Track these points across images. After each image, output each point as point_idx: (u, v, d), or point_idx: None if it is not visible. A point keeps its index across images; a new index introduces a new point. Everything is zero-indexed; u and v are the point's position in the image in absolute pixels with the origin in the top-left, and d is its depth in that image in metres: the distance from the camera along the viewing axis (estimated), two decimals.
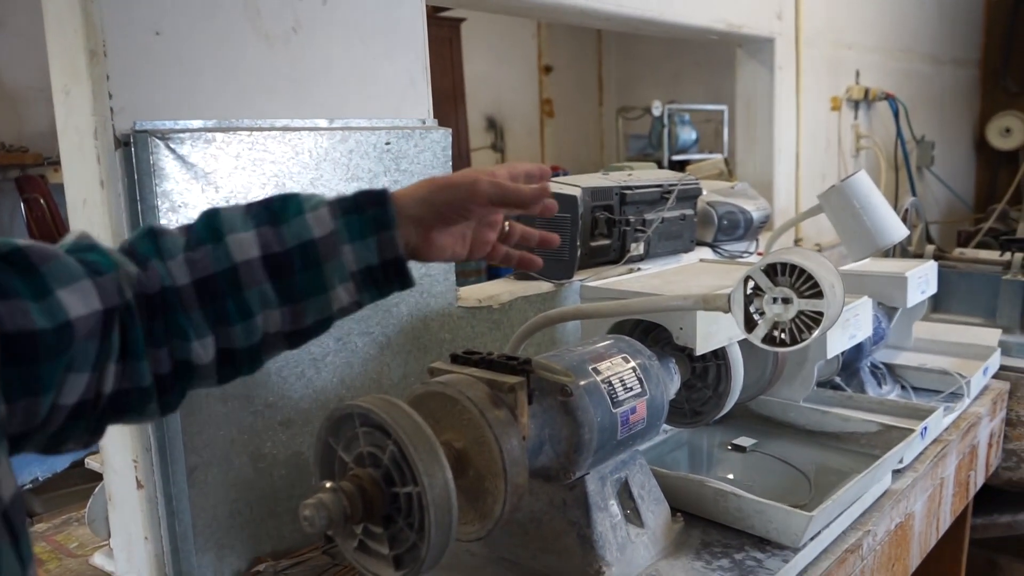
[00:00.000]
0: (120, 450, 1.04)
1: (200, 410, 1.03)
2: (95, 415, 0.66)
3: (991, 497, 2.04)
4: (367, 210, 0.79)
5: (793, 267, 0.88)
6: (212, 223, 0.75)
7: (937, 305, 2.30)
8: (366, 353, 1.23)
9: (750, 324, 0.91)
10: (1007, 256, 2.22)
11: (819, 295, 0.87)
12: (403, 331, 1.28)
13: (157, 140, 0.96)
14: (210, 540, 1.06)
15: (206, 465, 1.04)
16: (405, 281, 0.82)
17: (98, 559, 1.32)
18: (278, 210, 0.76)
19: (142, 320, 0.68)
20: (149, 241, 0.72)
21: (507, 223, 0.92)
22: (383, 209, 0.79)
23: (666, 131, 5.74)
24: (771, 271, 0.89)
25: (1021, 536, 2.34)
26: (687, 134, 5.96)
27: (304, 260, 0.75)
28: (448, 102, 5.54)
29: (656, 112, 5.71)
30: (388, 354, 1.26)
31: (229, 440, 1.07)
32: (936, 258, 2.23)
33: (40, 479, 2.61)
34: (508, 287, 1.55)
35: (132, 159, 0.96)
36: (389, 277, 0.81)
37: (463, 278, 1.43)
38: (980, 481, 1.78)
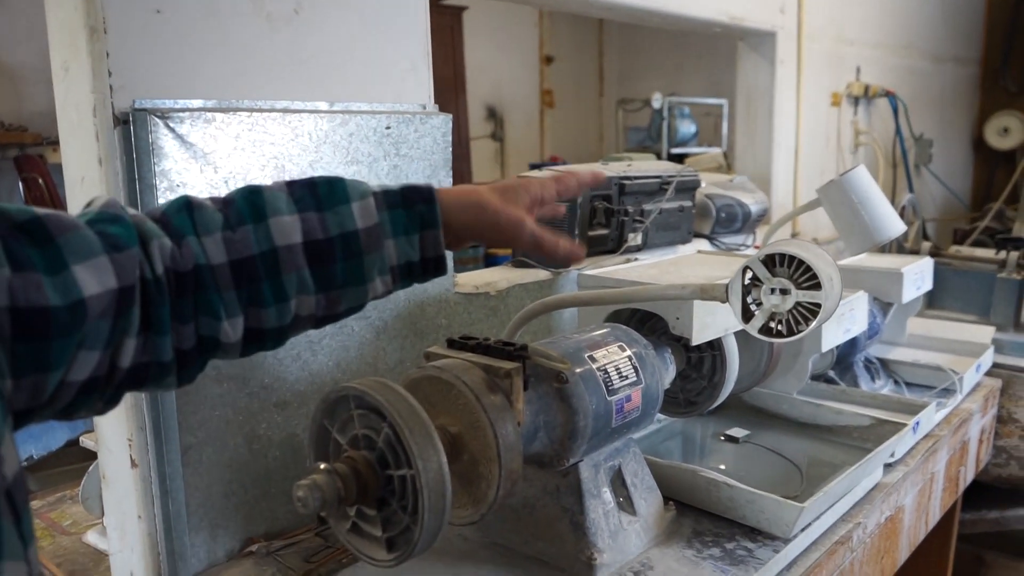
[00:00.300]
0: (115, 429, 1.04)
1: (195, 390, 1.03)
2: (110, 388, 0.65)
3: (980, 493, 2.06)
4: (414, 207, 0.79)
5: (792, 258, 0.88)
6: (255, 201, 0.73)
7: (932, 302, 2.31)
8: (362, 337, 1.23)
9: (747, 315, 0.92)
10: (1002, 255, 2.23)
11: (817, 287, 0.87)
12: (400, 316, 1.28)
13: (156, 119, 0.96)
14: (204, 520, 1.06)
15: (201, 445, 1.04)
16: (441, 272, 0.85)
17: (91, 537, 1.32)
18: (323, 195, 0.76)
19: (171, 296, 0.67)
20: (186, 215, 0.71)
21: None
22: (430, 207, 0.80)
23: (666, 124, 5.74)
24: (769, 262, 0.89)
25: (1008, 532, 2.36)
26: (687, 127, 5.96)
27: (346, 250, 0.75)
28: (449, 91, 5.52)
29: (656, 104, 5.70)
30: (384, 339, 1.26)
31: (224, 421, 1.07)
32: (932, 255, 2.23)
33: (35, 457, 2.61)
34: (505, 274, 1.55)
35: (131, 137, 0.96)
36: (427, 272, 0.83)
37: (460, 265, 1.43)
38: (970, 477, 1.79)
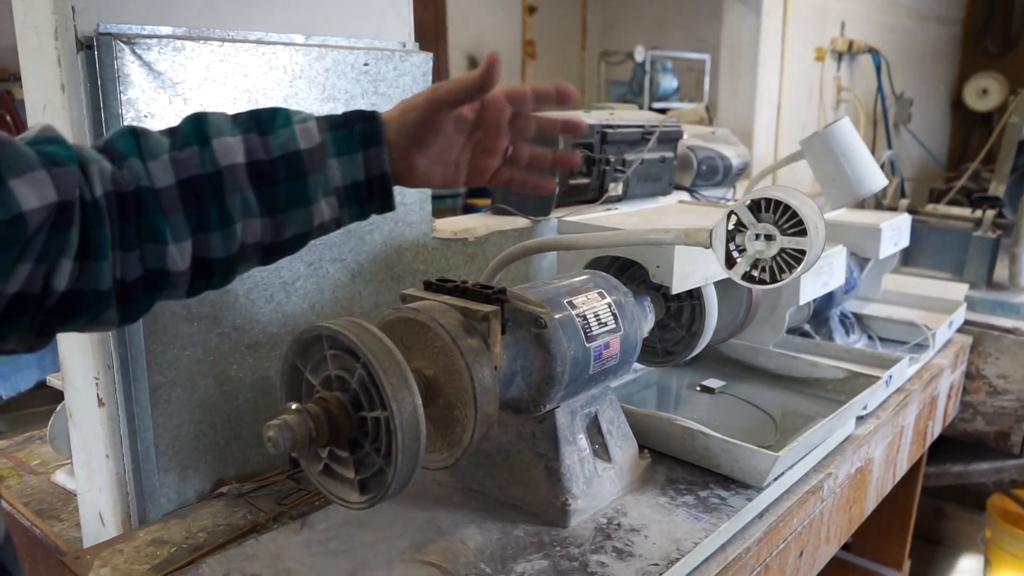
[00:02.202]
0: (81, 367, 1.01)
1: (164, 329, 1.00)
2: (42, 313, 0.63)
3: (945, 447, 2.10)
4: (355, 125, 0.78)
5: (778, 203, 0.87)
6: (199, 126, 0.73)
7: (907, 259, 2.33)
8: (337, 280, 1.20)
9: (730, 261, 0.90)
10: (978, 213, 2.24)
11: (803, 233, 0.85)
12: (376, 259, 1.25)
13: (122, 44, 0.91)
14: (173, 460, 1.04)
15: (170, 385, 1.02)
16: (388, 202, 0.83)
17: (59, 477, 1.30)
18: (266, 120, 0.75)
19: (113, 220, 0.66)
20: (131, 140, 0.70)
21: (510, 147, 0.89)
22: (372, 124, 0.79)
23: (648, 78, 5.68)
24: (755, 207, 0.88)
25: (968, 486, 2.42)
26: (668, 82, 5.90)
27: (289, 170, 0.74)
28: (429, 37, 5.41)
29: (639, 58, 5.64)
30: (360, 282, 1.24)
31: (195, 361, 1.04)
32: (909, 212, 2.24)
33: (4, 398, 2.57)
34: (484, 221, 1.52)
35: (95, 64, 0.91)
36: (373, 195, 0.81)
37: (438, 215, 1.41)
38: (937, 431, 1.82)
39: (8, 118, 4.21)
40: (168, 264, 0.70)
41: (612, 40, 6.86)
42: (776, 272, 0.87)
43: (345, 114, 0.79)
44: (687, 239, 0.94)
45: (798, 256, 0.86)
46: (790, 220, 0.86)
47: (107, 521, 1.06)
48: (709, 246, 0.91)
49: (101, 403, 1.00)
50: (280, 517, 1.01)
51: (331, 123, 0.78)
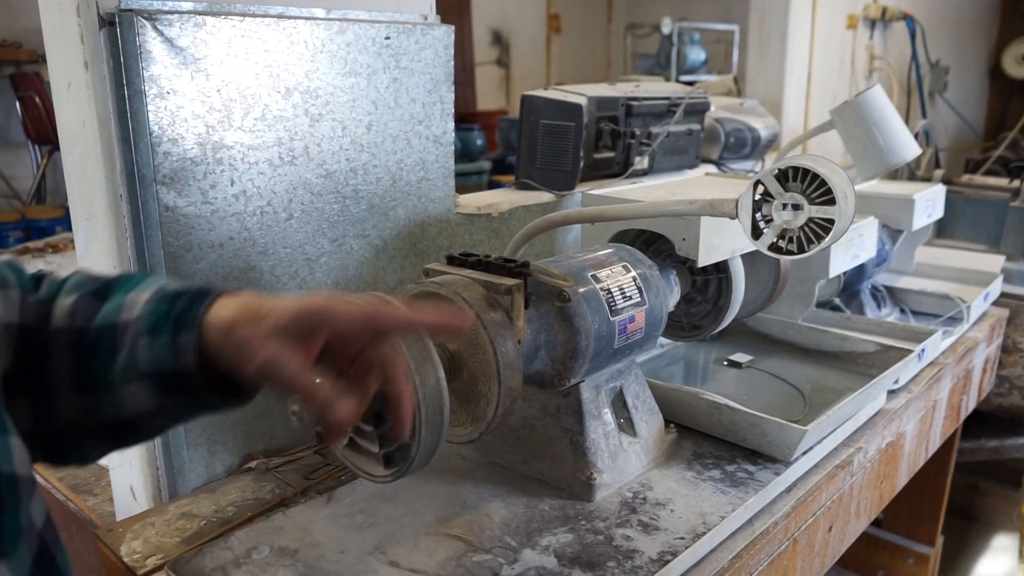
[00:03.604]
0: None
1: None
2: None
3: (980, 422, 2.07)
4: (178, 301, 0.62)
5: (806, 172, 0.85)
6: (60, 282, 0.68)
7: (941, 231, 2.28)
8: (361, 256, 1.20)
9: (757, 231, 0.88)
10: (1016, 183, 2.19)
11: (831, 202, 0.83)
12: (400, 235, 1.25)
13: (144, 20, 0.91)
14: (202, 436, 1.06)
15: None
16: (233, 396, 0.65)
17: None
18: (116, 285, 0.67)
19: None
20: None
21: None
22: (193, 306, 0.62)
23: (675, 50, 5.60)
24: (782, 176, 0.86)
25: (1004, 461, 2.38)
26: (696, 54, 5.82)
27: (98, 344, 0.63)
28: (453, 12, 5.38)
29: (666, 30, 5.56)
30: (384, 258, 1.24)
31: None
32: (944, 183, 2.19)
33: None
34: (508, 196, 1.51)
35: (118, 40, 0.91)
36: (200, 387, 0.62)
37: (461, 191, 1.40)
38: (972, 406, 1.78)
39: (37, 99, 4.27)
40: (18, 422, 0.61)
41: (638, 12, 6.77)
42: (804, 242, 0.85)
43: (191, 285, 0.65)
44: (712, 210, 0.92)
45: (827, 226, 0.84)
46: (818, 189, 0.84)
47: (138, 495, 1.08)
48: (735, 217, 0.89)
49: None
50: (307, 491, 1.02)
51: (163, 292, 0.64)
